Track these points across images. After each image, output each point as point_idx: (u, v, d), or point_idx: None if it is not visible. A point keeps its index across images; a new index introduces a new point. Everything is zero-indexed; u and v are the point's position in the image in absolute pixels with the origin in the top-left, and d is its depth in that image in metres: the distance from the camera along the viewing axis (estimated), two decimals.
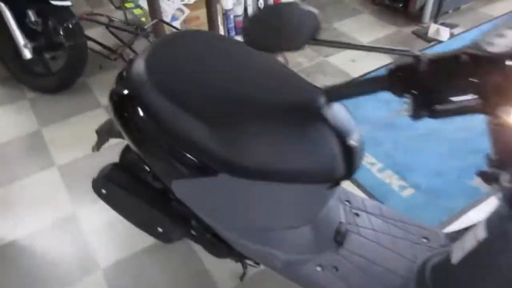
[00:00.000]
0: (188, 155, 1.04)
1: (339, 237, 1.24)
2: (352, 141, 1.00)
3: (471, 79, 0.73)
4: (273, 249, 1.17)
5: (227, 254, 1.35)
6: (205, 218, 1.19)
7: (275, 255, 1.17)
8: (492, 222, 0.94)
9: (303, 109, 1.01)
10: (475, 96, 0.76)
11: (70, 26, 2.28)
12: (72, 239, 1.81)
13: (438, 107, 0.79)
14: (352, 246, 1.24)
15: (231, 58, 1.19)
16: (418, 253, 1.22)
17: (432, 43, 3.02)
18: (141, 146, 1.15)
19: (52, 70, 2.60)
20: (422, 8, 3.20)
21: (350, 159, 1.01)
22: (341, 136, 1.00)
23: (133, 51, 2.30)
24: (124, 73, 1.16)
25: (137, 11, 3.00)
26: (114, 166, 1.40)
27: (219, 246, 1.30)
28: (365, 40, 3.11)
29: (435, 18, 3.14)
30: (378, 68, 2.77)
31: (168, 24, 2.26)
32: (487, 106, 0.74)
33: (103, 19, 2.40)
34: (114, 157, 1.45)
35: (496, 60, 0.71)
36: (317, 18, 0.82)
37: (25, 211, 1.94)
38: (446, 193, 1.94)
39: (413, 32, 3.16)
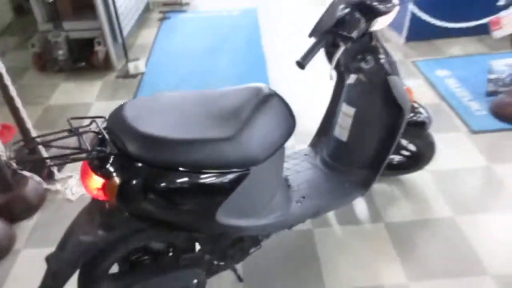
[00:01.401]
0: (226, 176, 1.31)
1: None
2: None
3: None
4: (282, 210, 1.64)
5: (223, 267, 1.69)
6: (248, 223, 1.48)
7: (285, 216, 1.66)
8: (351, 97, 1.79)
9: (262, 98, 1.43)
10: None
11: None
12: None
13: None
14: (291, 175, 1.91)
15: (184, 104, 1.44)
16: (313, 160, 2.05)
17: (138, 77, 3.70)
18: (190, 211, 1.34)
19: None
20: (105, 58, 3.74)
21: (292, 113, 1.48)
22: (284, 100, 1.48)
23: None
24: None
25: None
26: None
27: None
28: (94, 101, 3.39)
29: (126, 59, 3.79)
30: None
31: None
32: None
33: None
34: None
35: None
36: None
37: None
38: None
39: (118, 77, 3.71)
